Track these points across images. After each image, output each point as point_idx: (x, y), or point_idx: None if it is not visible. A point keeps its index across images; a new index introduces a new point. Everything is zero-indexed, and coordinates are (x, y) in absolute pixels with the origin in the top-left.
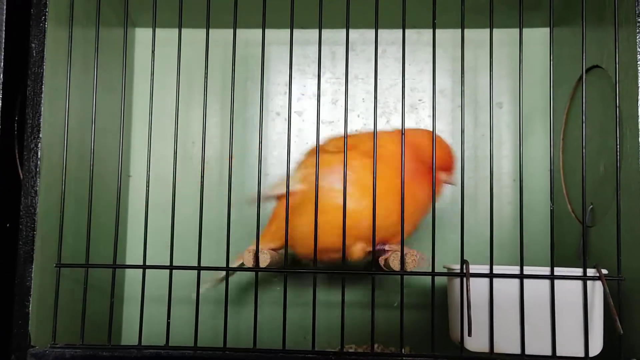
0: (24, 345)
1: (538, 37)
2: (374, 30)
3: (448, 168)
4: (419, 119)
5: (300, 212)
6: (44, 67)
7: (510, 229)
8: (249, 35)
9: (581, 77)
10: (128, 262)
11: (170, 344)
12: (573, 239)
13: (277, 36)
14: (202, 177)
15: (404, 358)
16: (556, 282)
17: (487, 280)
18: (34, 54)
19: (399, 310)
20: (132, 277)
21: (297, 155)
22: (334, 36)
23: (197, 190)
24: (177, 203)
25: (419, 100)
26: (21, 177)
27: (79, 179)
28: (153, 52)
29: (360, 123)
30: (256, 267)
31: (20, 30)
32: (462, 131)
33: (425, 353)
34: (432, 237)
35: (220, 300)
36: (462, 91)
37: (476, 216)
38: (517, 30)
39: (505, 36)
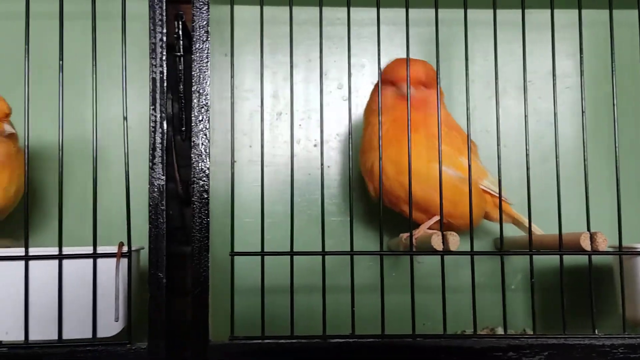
0: (204, 340)
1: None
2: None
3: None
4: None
5: None
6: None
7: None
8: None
9: None
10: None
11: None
12: None
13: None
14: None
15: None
16: None
17: None
18: (198, 28)
19: (517, 292)
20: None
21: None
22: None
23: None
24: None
25: (529, 81)
26: (173, 157)
27: None
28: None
29: None
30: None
31: None
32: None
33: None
34: (618, 213)
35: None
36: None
37: None
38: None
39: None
